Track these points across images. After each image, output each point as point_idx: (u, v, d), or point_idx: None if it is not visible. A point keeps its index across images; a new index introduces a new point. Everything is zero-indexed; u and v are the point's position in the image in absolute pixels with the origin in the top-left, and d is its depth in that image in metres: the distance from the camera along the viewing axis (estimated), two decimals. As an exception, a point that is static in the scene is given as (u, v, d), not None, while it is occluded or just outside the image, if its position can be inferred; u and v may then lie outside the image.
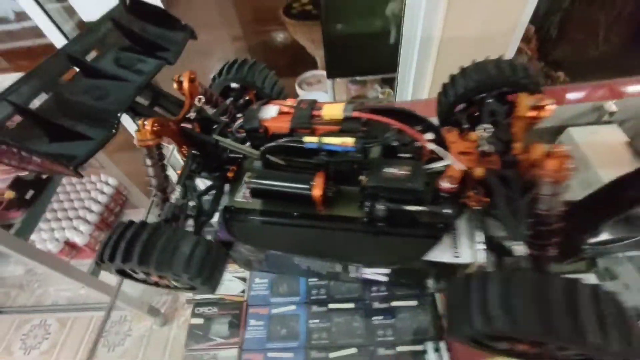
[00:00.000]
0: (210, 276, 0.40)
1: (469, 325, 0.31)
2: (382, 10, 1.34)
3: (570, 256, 0.48)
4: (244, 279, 0.77)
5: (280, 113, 0.47)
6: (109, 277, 0.91)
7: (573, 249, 0.48)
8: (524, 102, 0.36)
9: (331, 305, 0.69)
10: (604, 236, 0.48)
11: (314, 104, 0.47)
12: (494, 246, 0.39)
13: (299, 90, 2.00)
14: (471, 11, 0.97)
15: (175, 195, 0.43)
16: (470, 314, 0.31)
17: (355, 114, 0.44)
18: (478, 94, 0.50)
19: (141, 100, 0.48)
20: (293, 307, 0.71)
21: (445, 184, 0.38)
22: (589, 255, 0.48)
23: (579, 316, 0.27)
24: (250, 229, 0.45)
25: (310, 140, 0.42)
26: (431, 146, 0.39)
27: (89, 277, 1.28)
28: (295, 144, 0.42)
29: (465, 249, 0.40)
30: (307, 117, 0.45)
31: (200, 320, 0.71)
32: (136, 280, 0.44)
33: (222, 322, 0.71)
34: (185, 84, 0.45)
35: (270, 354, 0.66)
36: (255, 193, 0.45)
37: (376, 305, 0.69)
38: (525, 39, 1.88)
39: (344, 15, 1.37)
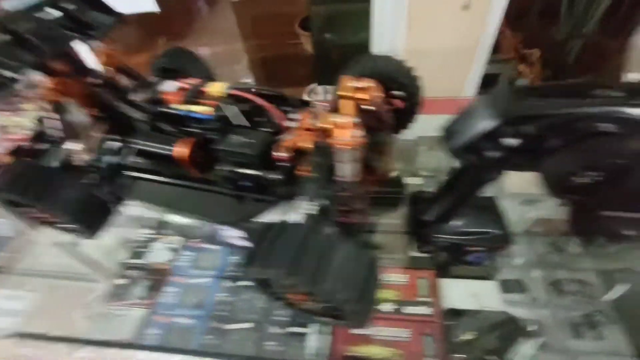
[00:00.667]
0: (81, 218, 0.46)
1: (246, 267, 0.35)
2: (367, 23, 1.40)
3: (424, 243, 0.50)
4: (175, 250, 0.83)
5: (180, 89, 0.54)
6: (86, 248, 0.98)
7: (426, 236, 0.50)
8: (345, 82, 0.40)
9: (241, 282, 0.73)
10: (456, 228, 0.50)
11: (204, 83, 0.53)
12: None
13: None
14: (430, 27, 1.01)
15: (66, 146, 0.50)
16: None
17: (232, 92, 0.50)
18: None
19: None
20: (209, 280, 0.76)
21: (278, 154, 0.42)
22: (441, 244, 0.49)
23: (301, 260, 0.31)
24: (130, 185, 0.52)
25: (179, 107, 0.48)
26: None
27: (69, 246, 1.40)
28: (169, 111, 0.49)
29: (297, 214, 0.44)
30: (195, 93, 0.52)
31: (124, 281, 0.78)
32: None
33: (143, 285, 0.77)
34: (101, 57, 0.53)
35: (175, 319, 0.71)
36: (137, 152, 0.51)
37: (282, 287, 0.72)
38: (528, 62, 1.86)
39: (332, 26, 1.45)
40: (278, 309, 0.69)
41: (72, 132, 0.54)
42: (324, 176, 0.38)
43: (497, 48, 1.87)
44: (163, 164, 0.50)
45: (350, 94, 0.39)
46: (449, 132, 0.36)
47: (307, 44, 2.02)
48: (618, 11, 1.58)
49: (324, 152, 0.38)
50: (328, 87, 1.81)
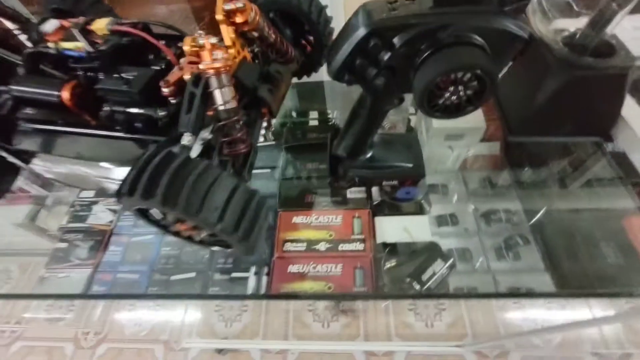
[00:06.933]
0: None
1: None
2: None
3: (338, 178, 0.49)
4: (114, 211, 0.81)
5: (61, 28, 0.48)
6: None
7: (339, 172, 0.49)
8: (219, 5, 0.35)
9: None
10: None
11: (90, 21, 0.47)
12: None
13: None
14: None
15: None
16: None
17: (115, 27, 0.45)
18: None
19: None
20: (152, 237, 0.75)
21: (163, 89, 0.39)
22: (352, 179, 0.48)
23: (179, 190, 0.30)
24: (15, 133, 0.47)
25: (52, 45, 0.43)
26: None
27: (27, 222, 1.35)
28: (43, 51, 0.43)
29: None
30: (77, 31, 0.46)
31: (64, 245, 0.76)
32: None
33: (83, 247, 0.76)
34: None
35: (118, 275, 0.71)
36: (21, 101, 0.46)
37: (226, 237, 0.72)
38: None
39: None
40: (221, 258, 0.70)
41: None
42: (198, 106, 0.35)
43: None
44: (51, 110, 0.45)
45: (224, 18, 0.35)
46: (329, 54, 0.33)
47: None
48: None
49: (196, 81, 0.35)
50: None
